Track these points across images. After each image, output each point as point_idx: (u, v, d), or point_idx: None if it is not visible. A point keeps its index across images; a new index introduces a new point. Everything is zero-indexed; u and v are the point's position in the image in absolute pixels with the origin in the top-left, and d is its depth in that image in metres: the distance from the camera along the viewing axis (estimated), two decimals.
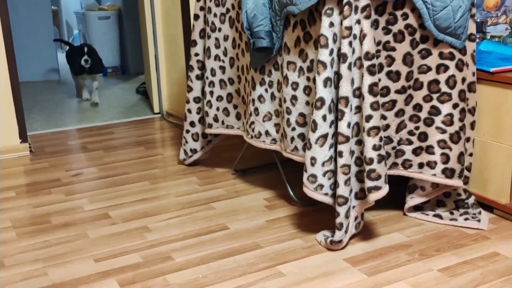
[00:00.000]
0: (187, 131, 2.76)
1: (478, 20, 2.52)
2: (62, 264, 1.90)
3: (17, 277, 1.84)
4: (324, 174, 1.94)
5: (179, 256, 1.95)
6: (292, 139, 2.12)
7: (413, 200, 2.13)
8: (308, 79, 2.04)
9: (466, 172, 2.12)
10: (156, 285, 1.76)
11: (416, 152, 2.04)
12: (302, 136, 2.10)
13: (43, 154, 3.14)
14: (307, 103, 2.06)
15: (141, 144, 3.30)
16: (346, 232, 1.93)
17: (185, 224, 2.20)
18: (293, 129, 2.11)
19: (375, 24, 1.93)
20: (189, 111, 2.71)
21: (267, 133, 2.30)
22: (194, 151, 2.79)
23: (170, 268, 1.87)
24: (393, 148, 2.05)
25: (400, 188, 2.24)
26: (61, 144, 3.32)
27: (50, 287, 1.77)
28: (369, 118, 1.85)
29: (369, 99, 1.85)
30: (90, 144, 3.31)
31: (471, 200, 2.15)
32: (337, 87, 1.90)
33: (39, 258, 1.95)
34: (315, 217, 2.23)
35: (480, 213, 2.13)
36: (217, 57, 2.53)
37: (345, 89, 1.86)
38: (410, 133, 2.04)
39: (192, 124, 2.73)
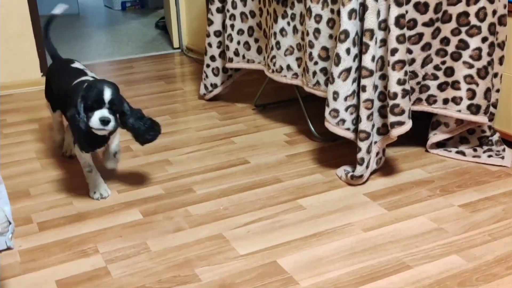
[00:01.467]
0: (208, 66, 2.72)
1: None
2: (86, 194, 1.94)
3: (43, 205, 1.89)
4: (346, 109, 1.91)
5: (200, 188, 1.97)
6: (314, 73, 2.08)
7: (436, 136, 2.10)
8: (332, 11, 1.97)
9: (491, 109, 2.08)
10: (178, 215, 1.80)
11: (442, 87, 1.99)
12: (324, 71, 2.06)
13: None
14: (331, 36, 2.00)
15: (161, 78, 3.29)
16: (367, 167, 1.93)
17: (205, 158, 2.22)
18: (316, 63, 2.06)
19: None
20: (210, 45, 2.67)
21: (288, 67, 2.26)
22: (214, 85, 2.76)
23: (191, 200, 1.90)
24: (418, 83, 2.00)
25: (423, 125, 2.21)
26: None
27: (75, 215, 1.81)
28: (394, 51, 1.80)
29: (395, 31, 1.79)
30: (110, 78, 3.29)
31: (496, 137, 2.12)
32: (362, 19, 1.84)
33: (64, 188, 1.99)
34: (335, 152, 2.22)
35: (504, 150, 2.10)
36: None
37: (371, 21, 1.80)
38: (436, 67, 1.98)
39: (212, 58, 2.69)
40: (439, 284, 1.43)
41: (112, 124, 1.71)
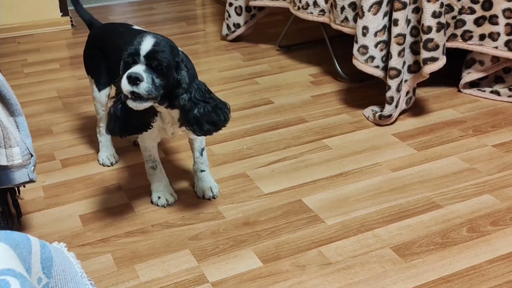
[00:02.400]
0: (230, 4, 2.63)
1: None
2: None
3: (66, 143, 1.87)
4: (376, 45, 1.83)
5: (224, 128, 1.93)
6: (343, 8, 1.98)
7: (469, 75, 2.01)
8: None
9: None
10: None
11: (478, 22, 1.88)
12: (353, 6, 1.95)
13: (85, 28, 3.08)
14: None
15: (182, 19, 3.20)
16: (396, 106, 1.85)
17: (228, 98, 2.15)
18: None
19: None
20: None
21: (315, 3, 2.16)
22: (237, 25, 2.68)
23: (215, 139, 1.86)
24: (453, 17, 1.89)
25: (455, 64, 2.11)
26: (102, 19, 3.18)
27: (95, 154, 1.80)
28: None
29: None
30: (130, 19, 3.23)
31: None
32: None
33: (86, 127, 1.97)
34: (362, 93, 2.14)
35: None
36: None
37: None
38: (473, 0, 1.86)
39: None
40: (471, 223, 1.38)
41: (144, 86, 1.20)
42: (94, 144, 1.84)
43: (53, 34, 3.01)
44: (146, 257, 1.33)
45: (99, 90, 1.64)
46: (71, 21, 3.10)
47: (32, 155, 1.27)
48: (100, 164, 1.73)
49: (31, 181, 1.28)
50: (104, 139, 1.72)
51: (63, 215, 1.49)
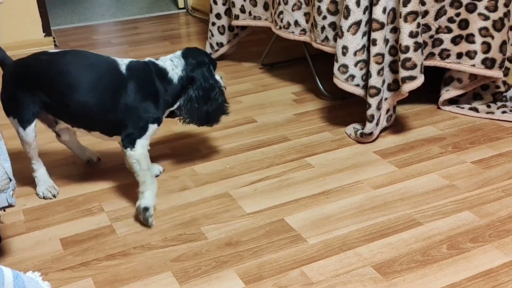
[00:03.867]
0: (213, 24, 2.65)
1: None
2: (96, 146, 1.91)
3: (47, 165, 1.83)
4: (356, 64, 1.85)
5: (206, 147, 1.94)
6: (323, 28, 2.01)
7: (448, 93, 2.04)
8: None
9: (507, 63, 2.00)
10: (184, 174, 1.77)
11: (455, 41, 1.91)
12: (333, 25, 1.98)
13: (68, 48, 3.10)
14: None
15: (166, 39, 3.22)
16: (377, 124, 1.87)
17: None
18: (324, 17, 1.99)
19: None
20: (215, 2, 2.59)
21: (296, 23, 2.19)
22: (220, 44, 2.70)
23: (198, 159, 1.86)
24: (431, 36, 1.93)
25: (435, 81, 2.15)
26: (85, 39, 3.26)
27: (79, 175, 1.78)
28: (406, 2, 1.72)
29: None
30: (114, 39, 3.25)
31: (510, 92, 2.05)
32: None
33: (68, 148, 1.96)
34: (344, 111, 2.17)
35: None
36: None
37: None
38: (450, 20, 1.90)
39: (218, 16, 2.62)
40: (451, 240, 1.39)
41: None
42: (76, 165, 1.84)
43: None
44: (127, 280, 1.32)
45: (24, 128, 1.60)
46: (54, 41, 3.10)
47: (11, 180, 1.26)
48: (41, 198, 1.68)
49: (10, 205, 1.27)
50: (39, 174, 1.69)
51: (43, 239, 1.48)
